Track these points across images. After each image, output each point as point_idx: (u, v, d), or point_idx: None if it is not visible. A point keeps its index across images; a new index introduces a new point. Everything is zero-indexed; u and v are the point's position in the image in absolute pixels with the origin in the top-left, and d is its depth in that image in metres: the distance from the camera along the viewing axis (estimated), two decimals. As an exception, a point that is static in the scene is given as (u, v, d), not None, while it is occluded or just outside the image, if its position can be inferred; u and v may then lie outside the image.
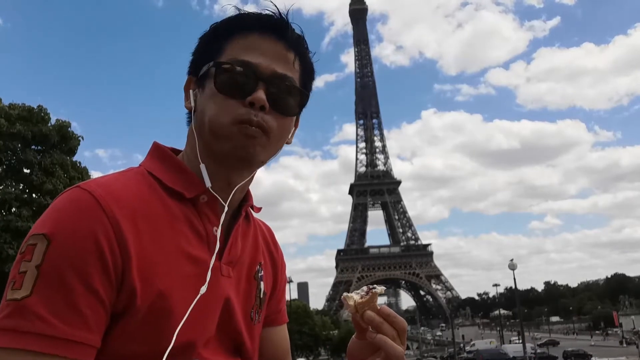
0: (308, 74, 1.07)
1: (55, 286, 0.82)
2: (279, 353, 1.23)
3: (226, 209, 1.00)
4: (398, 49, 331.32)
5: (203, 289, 0.94)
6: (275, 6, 1.02)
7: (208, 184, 0.98)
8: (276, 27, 1.02)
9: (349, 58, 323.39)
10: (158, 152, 1.06)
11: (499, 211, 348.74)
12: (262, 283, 1.11)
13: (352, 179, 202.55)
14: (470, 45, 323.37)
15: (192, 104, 1.03)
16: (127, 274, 0.87)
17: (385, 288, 0.99)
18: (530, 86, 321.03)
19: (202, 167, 0.99)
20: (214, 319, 0.97)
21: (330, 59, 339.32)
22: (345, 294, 0.96)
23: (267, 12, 1.02)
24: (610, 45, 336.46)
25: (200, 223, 0.99)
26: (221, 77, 0.98)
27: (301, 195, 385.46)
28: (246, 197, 1.10)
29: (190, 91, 1.05)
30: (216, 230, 1.00)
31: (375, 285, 0.96)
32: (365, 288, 0.96)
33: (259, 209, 1.16)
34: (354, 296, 0.96)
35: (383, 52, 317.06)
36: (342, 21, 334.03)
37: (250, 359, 1.08)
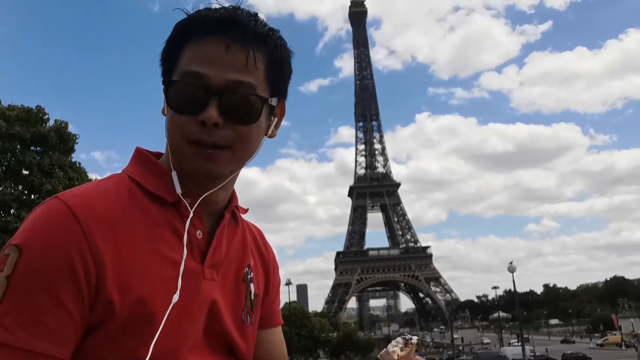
0: (276, 67, 1.00)
1: (22, 298, 0.82)
2: (275, 355, 1.21)
3: (191, 214, 0.98)
4: (390, 53, 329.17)
5: (175, 297, 0.93)
6: (233, 5, 0.97)
7: (178, 190, 0.97)
8: (226, 26, 0.94)
9: (343, 63, 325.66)
10: (140, 157, 1.05)
11: (496, 214, 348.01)
12: (251, 285, 1.10)
13: (348, 182, 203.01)
14: (462, 49, 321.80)
15: (166, 112, 1.00)
16: (102, 285, 0.86)
17: (418, 338, 1.00)
18: (524, 90, 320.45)
19: (174, 174, 0.98)
20: (199, 323, 0.96)
21: (324, 64, 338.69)
22: (386, 349, 0.94)
23: (216, 10, 0.96)
24: (602, 50, 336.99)
25: (183, 227, 0.98)
26: (172, 93, 0.95)
27: (298, 198, 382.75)
28: (231, 198, 1.08)
29: (164, 97, 1.02)
30: (200, 234, 0.99)
31: (411, 336, 0.96)
32: (401, 340, 0.95)
33: (245, 210, 1.14)
34: (397, 350, 0.94)
35: (376, 57, 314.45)
36: (335, 26, 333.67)
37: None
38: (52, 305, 0.83)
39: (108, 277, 0.86)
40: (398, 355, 0.93)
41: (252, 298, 1.09)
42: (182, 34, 0.97)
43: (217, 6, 0.97)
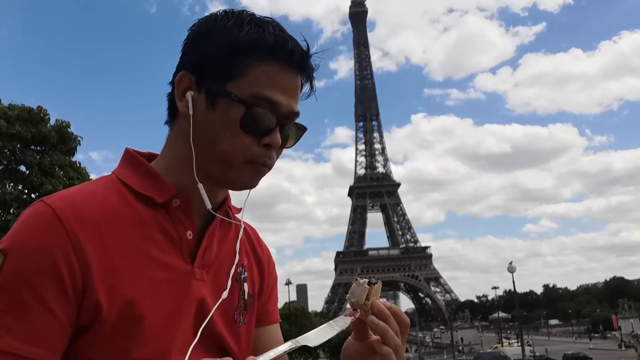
0: (305, 98, 1.06)
1: (8, 301, 0.83)
2: None
3: (218, 216, 1.02)
4: (385, 54, 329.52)
5: (224, 294, 0.97)
6: (305, 39, 1.00)
7: (208, 205, 0.98)
8: (301, 61, 0.99)
9: (338, 65, 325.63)
10: (129, 158, 1.04)
11: (494, 214, 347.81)
12: (245, 284, 1.09)
13: (346, 182, 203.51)
14: (456, 50, 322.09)
15: (191, 110, 0.97)
16: (88, 288, 0.86)
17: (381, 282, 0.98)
18: (519, 91, 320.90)
19: (200, 186, 0.97)
20: (188, 323, 0.95)
21: (319, 66, 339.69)
22: (356, 282, 0.95)
23: (291, 40, 0.98)
24: (596, 52, 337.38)
25: (173, 227, 0.97)
26: (249, 116, 0.94)
27: (296, 198, 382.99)
28: (224, 198, 1.09)
29: (189, 93, 0.98)
30: (190, 234, 0.99)
31: (369, 278, 0.96)
32: (361, 281, 0.95)
33: (238, 210, 1.13)
34: (364, 284, 0.94)
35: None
36: (330, 28, 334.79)
37: None
38: (38, 309, 0.83)
39: (95, 279, 0.86)
40: (368, 288, 0.94)
41: (246, 298, 1.09)
42: (252, 47, 0.95)
43: (280, 31, 0.98)
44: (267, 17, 1.00)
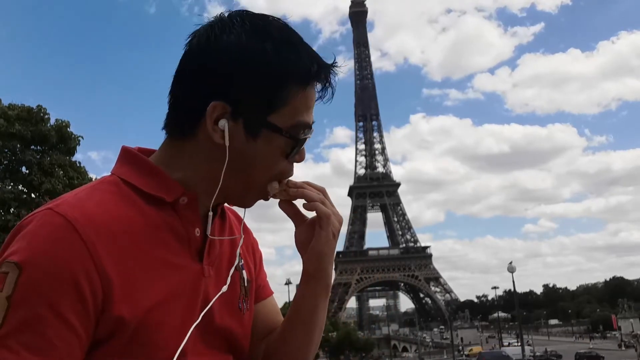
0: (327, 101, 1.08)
1: (26, 318, 0.80)
2: (269, 325, 1.19)
3: (210, 215, 1.01)
4: (383, 55, 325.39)
5: (224, 288, 0.99)
6: (335, 58, 1.00)
7: (209, 231, 1.00)
8: (327, 76, 0.99)
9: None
10: (129, 156, 1.01)
11: (493, 214, 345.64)
12: (244, 272, 1.11)
13: (345, 182, 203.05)
14: (455, 51, 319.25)
15: (227, 142, 0.93)
16: (109, 299, 0.85)
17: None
18: (517, 91, 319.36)
19: (210, 215, 1.00)
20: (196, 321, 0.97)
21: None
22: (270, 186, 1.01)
23: (323, 63, 0.98)
24: (595, 52, 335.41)
25: (181, 226, 0.97)
26: (296, 147, 0.97)
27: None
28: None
29: (223, 122, 0.93)
30: (198, 232, 0.99)
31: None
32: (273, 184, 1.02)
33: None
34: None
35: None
36: (329, 29, 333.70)
37: (244, 346, 1.09)
38: (56, 324, 0.81)
39: (115, 290, 0.85)
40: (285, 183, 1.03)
41: (246, 285, 1.10)
42: (295, 78, 0.95)
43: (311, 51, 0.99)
44: (284, 24, 0.98)
